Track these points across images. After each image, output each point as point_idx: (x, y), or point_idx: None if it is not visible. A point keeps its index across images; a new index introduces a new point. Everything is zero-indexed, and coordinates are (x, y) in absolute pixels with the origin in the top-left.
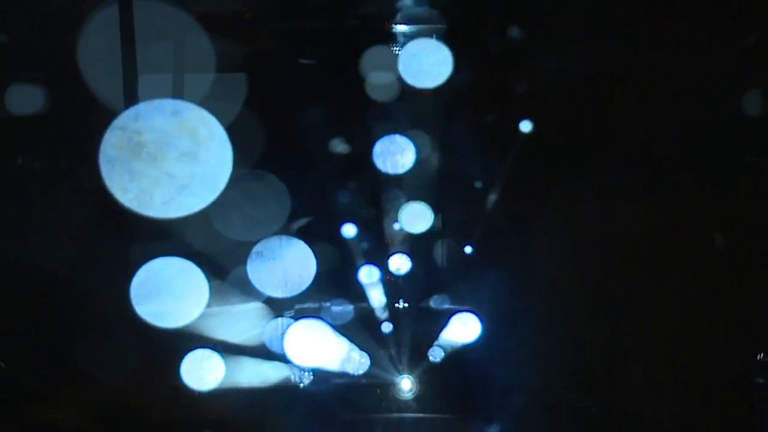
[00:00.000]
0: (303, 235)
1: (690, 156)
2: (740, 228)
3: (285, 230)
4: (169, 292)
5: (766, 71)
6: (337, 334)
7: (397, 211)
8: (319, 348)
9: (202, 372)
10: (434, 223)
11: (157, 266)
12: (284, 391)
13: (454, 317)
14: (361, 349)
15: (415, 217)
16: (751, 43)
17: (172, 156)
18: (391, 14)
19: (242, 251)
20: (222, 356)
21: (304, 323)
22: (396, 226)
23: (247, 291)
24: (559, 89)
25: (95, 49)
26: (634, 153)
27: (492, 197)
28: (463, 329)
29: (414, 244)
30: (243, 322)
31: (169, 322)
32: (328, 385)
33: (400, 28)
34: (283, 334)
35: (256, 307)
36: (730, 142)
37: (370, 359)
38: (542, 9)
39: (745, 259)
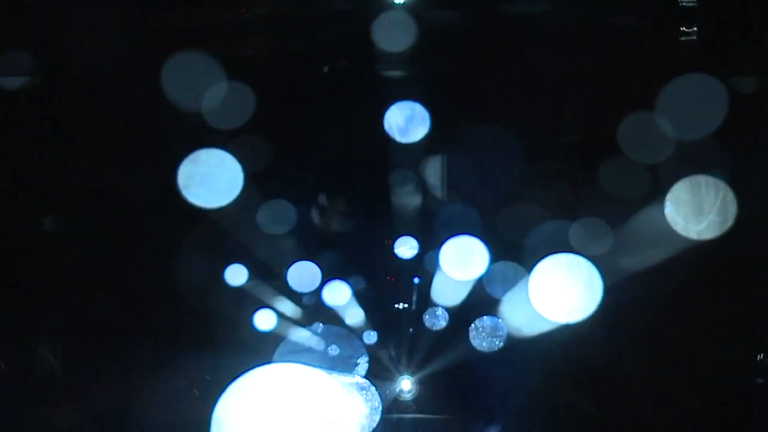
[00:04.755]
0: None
1: (686, 155)
2: (740, 227)
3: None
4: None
5: None
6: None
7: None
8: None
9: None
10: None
11: None
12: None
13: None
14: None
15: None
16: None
17: None
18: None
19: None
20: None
21: None
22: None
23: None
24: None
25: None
26: (631, 152)
27: (493, 199)
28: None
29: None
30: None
31: None
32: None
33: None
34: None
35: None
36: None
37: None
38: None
39: (745, 259)
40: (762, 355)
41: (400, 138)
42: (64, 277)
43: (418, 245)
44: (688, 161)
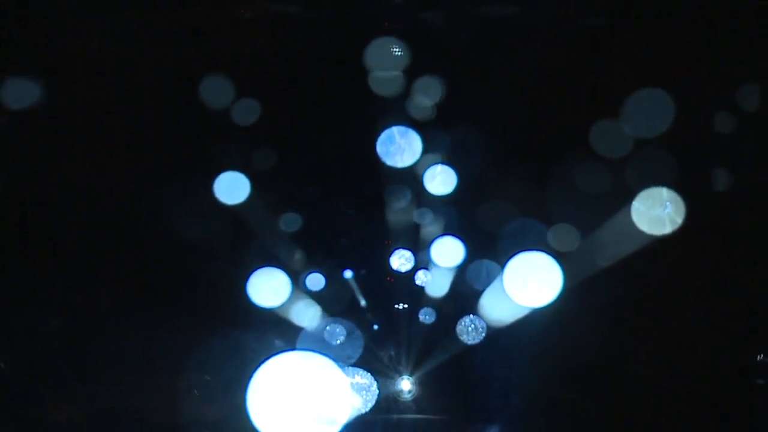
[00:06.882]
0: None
1: (687, 156)
2: (740, 227)
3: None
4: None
5: None
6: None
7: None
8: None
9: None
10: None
11: None
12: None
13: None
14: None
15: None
16: None
17: None
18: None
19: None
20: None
21: None
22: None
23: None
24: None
25: None
26: (630, 153)
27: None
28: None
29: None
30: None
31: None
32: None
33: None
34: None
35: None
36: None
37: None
38: None
39: (746, 260)
40: (762, 355)
41: (394, 163)
42: (64, 275)
43: (413, 256)
44: (686, 162)
